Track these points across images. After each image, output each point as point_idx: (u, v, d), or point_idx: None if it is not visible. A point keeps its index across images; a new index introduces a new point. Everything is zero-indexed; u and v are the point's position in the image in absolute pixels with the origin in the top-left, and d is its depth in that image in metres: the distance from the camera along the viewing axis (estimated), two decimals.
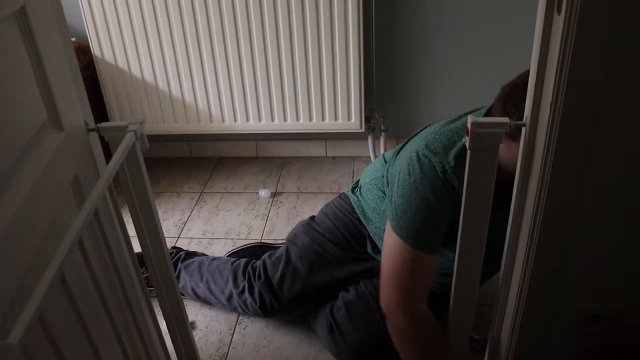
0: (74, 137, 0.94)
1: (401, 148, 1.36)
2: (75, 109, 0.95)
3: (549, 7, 0.80)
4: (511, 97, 1.10)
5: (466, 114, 1.27)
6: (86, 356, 0.89)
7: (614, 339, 1.10)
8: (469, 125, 0.93)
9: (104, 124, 1.01)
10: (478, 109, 1.30)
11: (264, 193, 2.31)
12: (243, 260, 1.69)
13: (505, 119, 0.93)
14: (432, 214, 1.20)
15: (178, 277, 1.76)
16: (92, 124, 1.00)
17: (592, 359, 1.11)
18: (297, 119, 2.29)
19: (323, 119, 2.27)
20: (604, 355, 1.11)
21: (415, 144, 1.26)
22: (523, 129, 0.93)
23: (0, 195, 0.70)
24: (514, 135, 1.06)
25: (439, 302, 1.32)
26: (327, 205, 1.69)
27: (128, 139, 0.98)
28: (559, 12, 0.78)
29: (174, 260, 1.80)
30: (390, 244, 1.25)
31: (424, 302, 1.27)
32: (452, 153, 1.20)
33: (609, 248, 0.98)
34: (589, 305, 1.05)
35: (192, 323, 1.72)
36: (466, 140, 0.94)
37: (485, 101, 1.28)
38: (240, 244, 1.96)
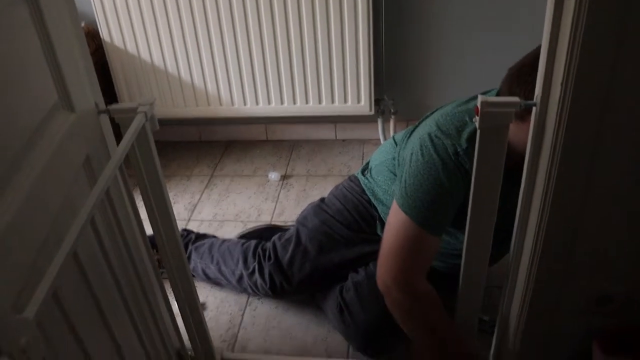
0: (85, 119, 0.94)
1: (413, 130, 1.36)
2: (86, 91, 0.96)
3: None
4: (516, 78, 1.10)
5: (478, 96, 1.26)
6: (99, 334, 0.90)
7: (622, 321, 1.10)
8: (478, 105, 0.92)
9: (114, 106, 1.01)
10: (489, 91, 1.29)
11: (273, 176, 2.31)
12: (253, 242, 1.71)
13: (516, 99, 0.92)
14: (443, 195, 1.20)
15: (189, 258, 1.77)
16: (102, 106, 1.01)
17: (600, 340, 1.11)
18: (307, 102, 2.28)
19: (332, 101, 2.27)
20: (612, 337, 1.11)
21: (428, 126, 1.26)
22: (533, 108, 0.92)
23: (13, 174, 0.71)
24: (523, 115, 1.05)
25: (448, 282, 1.32)
26: (337, 187, 1.69)
27: (138, 120, 0.98)
28: None
29: (184, 242, 1.81)
30: (394, 221, 1.26)
31: (422, 279, 1.27)
32: (465, 135, 1.20)
33: (618, 229, 0.97)
34: (597, 287, 1.06)
35: (203, 304, 1.73)
36: (476, 120, 0.94)
37: (496, 83, 1.27)
38: (250, 226, 1.97)
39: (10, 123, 0.73)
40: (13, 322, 0.58)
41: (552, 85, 0.87)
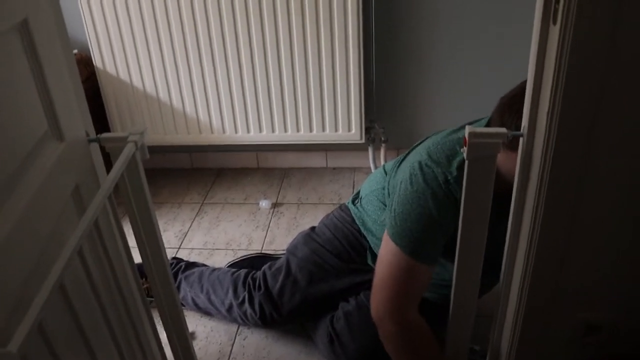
0: (75, 148, 0.94)
1: (403, 159, 1.37)
2: (76, 120, 0.96)
3: (545, 18, 0.81)
4: (508, 108, 1.11)
5: (468, 125, 1.27)
6: None
7: (612, 350, 1.10)
8: (466, 136, 0.93)
9: (104, 135, 1.01)
10: (479, 120, 1.30)
11: (264, 204, 2.31)
12: (243, 271, 1.70)
13: (503, 130, 0.93)
14: (432, 224, 1.20)
15: (178, 287, 1.76)
16: (93, 135, 1.01)
17: None
18: (298, 130, 2.29)
19: (323, 129, 2.28)
20: None
21: (418, 154, 1.27)
22: (521, 138, 0.93)
23: (1, 204, 0.71)
24: (513, 145, 1.06)
25: (439, 312, 1.32)
26: (327, 216, 1.69)
27: (128, 149, 0.98)
28: (554, 23, 0.79)
29: (174, 270, 1.80)
30: (386, 252, 1.25)
31: (414, 310, 1.27)
32: (455, 164, 1.20)
33: (606, 259, 0.98)
34: (586, 317, 1.05)
35: (192, 333, 1.71)
36: (464, 150, 0.95)
37: (487, 112, 1.29)
38: (241, 254, 1.97)
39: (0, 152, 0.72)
40: None
41: (538, 116, 0.88)
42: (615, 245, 0.96)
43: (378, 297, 1.27)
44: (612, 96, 0.81)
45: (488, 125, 1.23)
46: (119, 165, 0.94)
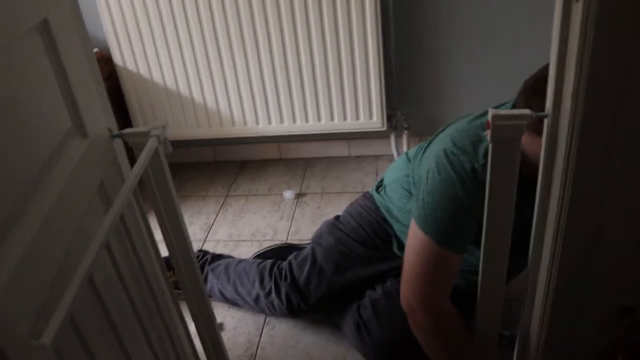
0: (99, 144, 0.96)
1: (427, 146, 1.35)
2: (99, 117, 0.97)
3: None
4: (532, 90, 1.09)
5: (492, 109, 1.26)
6: (117, 357, 0.90)
7: None
8: (489, 119, 0.92)
9: (127, 130, 1.02)
10: (504, 104, 1.29)
11: (288, 194, 2.32)
12: (269, 262, 1.70)
13: (527, 111, 0.92)
14: (461, 212, 1.19)
15: (205, 279, 1.77)
16: (115, 131, 1.02)
17: (622, 353, 1.09)
18: (319, 120, 2.29)
19: (345, 118, 2.28)
20: (635, 350, 1.09)
21: (442, 142, 1.25)
22: (545, 120, 0.92)
23: (28, 202, 0.72)
24: (538, 128, 1.05)
25: (468, 299, 1.31)
26: (352, 204, 1.69)
27: (151, 143, 0.99)
28: (577, 0, 0.77)
29: (201, 263, 1.82)
30: (414, 241, 1.24)
31: (446, 299, 1.26)
32: (482, 150, 1.19)
33: (636, 240, 0.96)
34: (617, 299, 1.04)
35: (221, 324, 1.73)
36: (488, 133, 0.94)
37: (510, 96, 1.27)
38: (266, 245, 1.98)
39: (25, 151, 0.74)
40: (30, 348, 0.58)
41: (562, 97, 0.86)
42: None
43: (408, 288, 1.27)
44: (637, 73, 0.79)
45: (513, 108, 1.21)
46: (142, 159, 0.95)
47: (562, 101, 0.86)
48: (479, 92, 2.24)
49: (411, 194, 1.41)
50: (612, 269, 1.00)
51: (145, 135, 1.01)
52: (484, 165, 1.17)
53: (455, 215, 1.19)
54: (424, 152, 1.34)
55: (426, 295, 1.24)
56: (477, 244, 1.12)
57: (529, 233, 1.06)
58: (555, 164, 0.92)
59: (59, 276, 0.75)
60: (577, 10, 0.77)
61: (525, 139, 0.95)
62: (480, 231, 1.08)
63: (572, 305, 1.05)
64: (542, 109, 0.94)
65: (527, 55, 1.93)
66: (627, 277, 1.01)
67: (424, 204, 1.22)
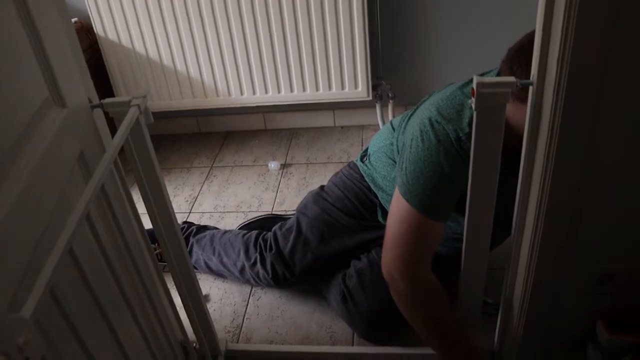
0: (78, 114, 0.94)
1: (411, 114, 1.34)
2: (78, 86, 0.95)
3: None
4: (517, 57, 1.08)
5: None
6: (100, 330, 0.90)
7: (626, 300, 1.10)
8: (474, 86, 0.91)
9: (107, 100, 1.01)
10: (488, 72, 1.28)
11: (273, 165, 2.31)
12: (254, 233, 1.70)
13: (511, 78, 0.91)
14: (444, 181, 1.19)
15: (190, 251, 1.77)
16: (96, 101, 1.00)
17: (605, 319, 1.11)
18: (304, 90, 2.27)
19: (330, 88, 2.26)
20: (617, 316, 1.11)
21: (427, 110, 1.24)
22: (530, 87, 0.91)
23: (6, 172, 0.71)
24: (523, 96, 1.04)
25: (451, 266, 1.32)
26: (336, 174, 1.68)
27: (132, 113, 0.98)
28: None
29: (186, 234, 1.81)
30: (397, 209, 1.24)
31: (427, 267, 1.26)
32: (466, 119, 1.18)
33: (618, 208, 0.97)
34: (599, 266, 1.05)
35: (206, 296, 1.73)
36: (472, 101, 0.93)
37: (495, 64, 1.26)
38: (252, 216, 1.97)
39: (0, 121, 0.72)
40: (9, 321, 0.58)
41: (548, 64, 0.86)
42: (627, 195, 0.95)
43: (389, 255, 1.27)
44: (623, 41, 0.78)
45: (497, 76, 1.20)
46: (123, 129, 0.93)
47: (548, 68, 0.86)
48: (465, 60, 2.23)
49: (395, 162, 1.41)
50: (594, 236, 1.01)
51: (126, 105, 1.00)
52: (469, 133, 1.16)
53: (437, 184, 1.19)
54: (408, 120, 1.33)
55: (406, 263, 1.24)
56: (462, 212, 1.12)
57: (512, 203, 1.06)
58: (540, 132, 0.92)
59: (38, 248, 0.74)
60: None
61: (510, 107, 0.94)
62: (464, 199, 1.09)
63: (554, 272, 1.06)
64: (527, 75, 0.93)
65: (513, 23, 1.92)
66: (608, 244, 1.02)
67: (407, 172, 1.21)
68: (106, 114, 1.03)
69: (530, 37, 1.07)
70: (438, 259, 1.31)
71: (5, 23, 0.77)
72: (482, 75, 1.27)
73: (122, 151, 0.95)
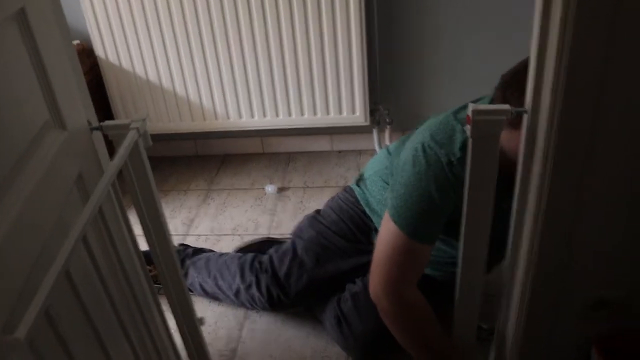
0: (78, 136, 0.94)
1: (406, 140, 1.36)
2: (78, 109, 0.96)
3: None
4: (510, 84, 1.10)
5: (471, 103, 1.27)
6: (94, 353, 0.89)
7: (620, 326, 1.10)
8: (469, 114, 0.92)
9: (107, 123, 1.02)
10: (481, 98, 1.30)
11: (270, 189, 2.31)
12: (250, 255, 1.70)
13: (506, 106, 0.93)
14: (432, 206, 1.20)
15: (186, 273, 1.77)
16: (95, 123, 1.01)
17: (599, 345, 1.11)
18: (302, 114, 2.29)
19: (328, 113, 2.27)
20: (610, 342, 1.10)
21: (421, 135, 1.26)
22: (524, 115, 0.93)
23: (3, 193, 0.71)
24: (516, 123, 1.05)
25: (446, 290, 1.32)
26: (333, 198, 1.69)
27: (131, 136, 0.98)
28: None
29: (182, 257, 1.81)
30: (386, 231, 1.26)
31: (413, 288, 1.27)
32: (458, 144, 1.20)
33: (613, 234, 0.97)
34: (594, 292, 1.05)
35: (201, 319, 1.71)
36: (468, 128, 0.94)
37: (491, 91, 1.27)
38: (248, 239, 1.97)
39: (1, 142, 0.72)
40: (3, 342, 0.58)
41: (542, 93, 0.87)
42: (621, 222, 0.95)
43: (376, 276, 1.28)
44: (616, 70, 0.80)
45: (491, 102, 1.22)
46: (122, 151, 0.94)
47: (542, 97, 0.87)
48: (462, 87, 2.25)
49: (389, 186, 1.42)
50: (589, 263, 1.01)
51: (125, 127, 1.00)
52: (461, 158, 1.17)
53: (426, 208, 1.21)
54: (403, 145, 1.35)
55: (392, 284, 1.26)
56: (456, 236, 1.13)
57: (506, 226, 1.07)
58: (534, 160, 0.93)
59: (34, 269, 0.74)
60: (557, 7, 0.78)
61: (504, 134, 0.96)
62: (458, 223, 1.09)
63: (549, 298, 1.06)
64: (521, 102, 0.95)
65: (510, 50, 1.94)
66: (604, 271, 1.02)
67: (397, 195, 1.23)
68: (105, 136, 1.04)
69: (523, 65, 1.09)
70: (433, 284, 1.32)
71: (9, 45, 0.78)
72: (475, 101, 1.28)
73: (119, 172, 0.96)
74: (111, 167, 0.91)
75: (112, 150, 1.03)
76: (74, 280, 0.78)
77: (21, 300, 0.69)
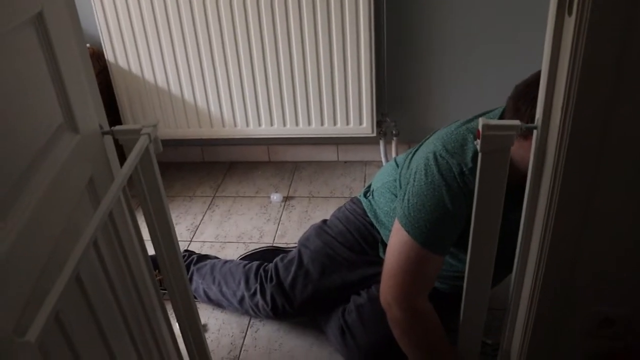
0: (89, 140, 0.95)
1: (415, 151, 1.36)
2: (91, 113, 0.97)
3: (560, 9, 0.81)
4: (523, 95, 1.11)
5: (481, 115, 1.27)
6: (101, 356, 0.89)
7: (627, 344, 1.10)
8: (480, 128, 0.93)
9: (118, 127, 1.02)
10: (492, 110, 1.30)
11: (275, 197, 2.31)
12: (255, 263, 1.70)
13: (517, 122, 0.93)
14: (446, 215, 1.20)
15: (191, 279, 1.77)
16: (106, 127, 1.02)
17: None
18: (309, 124, 2.29)
19: (335, 123, 2.28)
20: None
21: (432, 145, 1.26)
22: (534, 131, 0.93)
23: (16, 196, 0.72)
24: (526, 133, 1.06)
25: (453, 304, 1.32)
26: (339, 209, 1.69)
27: (142, 141, 0.99)
28: (569, 14, 0.78)
29: (186, 263, 1.81)
30: (397, 241, 1.26)
31: (424, 298, 1.27)
32: (469, 154, 1.20)
33: (620, 252, 0.97)
34: (599, 309, 1.05)
35: (205, 326, 1.72)
36: (477, 143, 0.95)
37: (498, 104, 1.28)
38: (252, 247, 1.97)
39: (16, 144, 0.73)
40: (14, 345, 0.58)
41: (552, 109, 0.87)
42: (630, 239, 0.95)
43: (387, 284, 1.28)
44: (628, 88, 0.80)
45: (502, 114, 1.22)
46: (133, 157, 0.95)
47: (552, 113, 0.87)
48: (469, 99, 2.26)
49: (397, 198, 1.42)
50: (596, 279, 1.01)
51: (137, 133, 1.01)
52: (472, 168, 1.18)
53: (439, 218, 1.21)
54: (412, 157, 1.35)
55: (404, 293, 1.26)
56: (462, 249, 1.13)
57: (513, 238, 1.07)
58: (543, 175, 0.93)
59: (45, 272, 0.74)
60: (570, 24, 0.78)
61: (514, 144, 0.96)
62: (466, 235, 1.09)
63: (554, 314, 1.06)
64: (532, 114, 0.95)
65: (519, 62, 1.95)
66: (610, 288, 1.02)
67: (409, 204, 1.23)
68: (115, 141, 1.05)
69: (537, 76, 1.09)
70: (440, 297, 1.32)
71: (26, 49, 0.79)
72: (485, 114, 1.29)
73: (129, 177, 0.96)
74: (122, 172, 0.91)
75: (121, 154, 1.03)
76: (84, 283, 0.78)
77: (32, 303, 0.69)
